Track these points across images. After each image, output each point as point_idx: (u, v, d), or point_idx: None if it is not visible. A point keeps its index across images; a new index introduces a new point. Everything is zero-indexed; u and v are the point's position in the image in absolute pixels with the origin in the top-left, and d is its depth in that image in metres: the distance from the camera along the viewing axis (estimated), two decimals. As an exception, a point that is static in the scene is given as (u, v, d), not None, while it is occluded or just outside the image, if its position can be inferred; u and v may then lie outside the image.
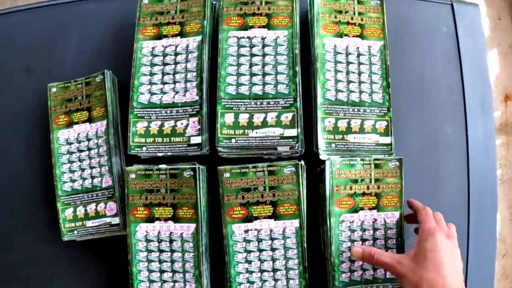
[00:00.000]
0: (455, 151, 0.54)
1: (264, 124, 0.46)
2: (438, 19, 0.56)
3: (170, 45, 0.51)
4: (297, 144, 0.46)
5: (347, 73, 0.50)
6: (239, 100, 0.47)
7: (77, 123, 0.53)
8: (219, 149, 0.47)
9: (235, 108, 0.47)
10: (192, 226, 0.47)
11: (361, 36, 0.51)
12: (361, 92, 0.49)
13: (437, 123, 0.54)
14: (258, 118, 0.47)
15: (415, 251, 0.43)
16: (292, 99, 0.47)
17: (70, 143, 0.53)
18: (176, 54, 0.50)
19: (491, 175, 0.55)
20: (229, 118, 0.47)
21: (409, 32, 0.55)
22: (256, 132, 0.46)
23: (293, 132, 0.46)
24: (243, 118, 0.47)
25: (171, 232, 0.48)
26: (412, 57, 0.55)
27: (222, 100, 0.47)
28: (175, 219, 0.48)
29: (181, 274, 0.48)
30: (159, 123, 0.49)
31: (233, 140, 0.46)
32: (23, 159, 0.56)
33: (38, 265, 0.54)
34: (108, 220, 0.51)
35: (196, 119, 0.48)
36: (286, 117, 0.46)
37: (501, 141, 0.97)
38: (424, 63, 0.55)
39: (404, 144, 0.53)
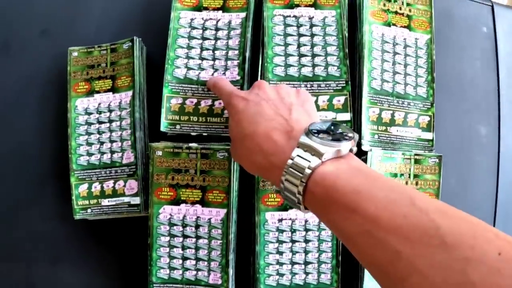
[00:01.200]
0: (487, 153, 0.53)
1: (316, 107, 0.44)
2: (478, 19, 0.55)
3: (210, 18, 0.47)
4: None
5: (393, 63, 0.48)
6: (288, 83, 0.44)
7: (98, 92, 0.48)
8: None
9: None
10: (222, 211, 0.44)
11: (408, 27, 0.49)
12: (406, 84, 0.47)
13: (472, 123, 0.53)
14: None
15: (230, 135, 0.36)
16: (344, 82, 0.44)
17: (90, 113, 0.48)
18: (217, 29, 0.46)
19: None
20: None
21: (450, 29, 0.54)
22: None
23: (346, 116, 0.43)
24: None
25: (198, 217, 0.44)
26: (452, 54, 0.54)
27: (271, 82, 0.44)
28: (204, 203, 0.44)
29: (206, 263, 0.44)
30: (195, 100, 0.45)
31: None
32: (34, 127, 0.50)
33: (43, 244, 0.49)
34: (126, 199, 0.47)
35: (235, 97, 0.45)
36: (339, 100, 0.44)
37: None
38: (463, 61, 0.54)
39: (438, 141, 0.51)
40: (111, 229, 0.49)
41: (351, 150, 0.30)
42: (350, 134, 0.30)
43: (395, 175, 0.46)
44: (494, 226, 0.52)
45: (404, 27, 0.49)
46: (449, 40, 0.54)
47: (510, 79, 0.55)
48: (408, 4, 0.49)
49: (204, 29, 0.46)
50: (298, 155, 0.28)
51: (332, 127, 0.30)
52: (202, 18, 0.47)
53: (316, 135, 0.29)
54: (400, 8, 0.49)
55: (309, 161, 0.27)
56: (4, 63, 0.52)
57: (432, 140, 0.47)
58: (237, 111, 0.34)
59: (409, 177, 0.46)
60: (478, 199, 0.53)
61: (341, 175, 0.26)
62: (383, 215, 0.23)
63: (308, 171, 0.27)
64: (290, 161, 0.29)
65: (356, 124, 0.46)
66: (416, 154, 0.46)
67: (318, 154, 0.27)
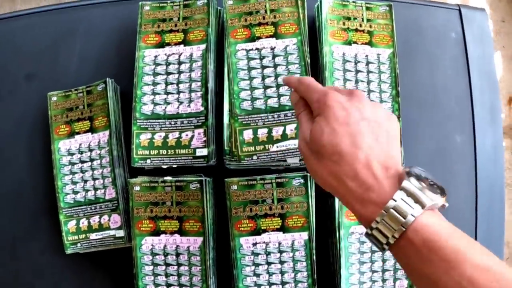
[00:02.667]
0: (464, 159, 0.53)
1: (284, 137, 0.45)
2: (446, 25, 0.55)
3: (173, 53, 0.49)
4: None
5: (356, 81, 0.48)
6: (256, 116, 0.46)
7: (78, 133, 0.51)
8: (228, 162, 0.46)
9: (253, 124, 0.46)
10: (199, 239, 0.46)
11: (370, 43, 0.49)
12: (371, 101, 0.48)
13: (446, 131, 0.53)
14: (277, 132, 0.45)
15: (312, 129, 0.32)
16: None
17: (72, 154, 0.51)
18: (180, 63, 0.48)
19: (499, 183, 0.54)
20: (248, 134, 0.45)
21: (418, 38, 0.54)
22: (277, 146, 0.45)
23: None
24: (262, 133, 0.45)
25: (177, 246, 0.47)
26: (421, 64, 0.54)
27: (239, 117, 0.46)
28: (182, 232, 0.46)
29: (188, 288, 0.47)
30: (163, 134, 0.47)
31: (255, 157, 0.45)
32: (25, 169, 0.54)
33: (43, 276, 0.53)
34: (112, 232, 0.49)
35: (201, 130, 0.46)
36: None
37: (505, 145, 0.97)
38: (433, 70, 0.54)
39: (414, 153, 0.51)
40: (102, 260, 0.52)
41: (443, 206, 0.30)
42: (441, 186, 0.30)
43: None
44: (475, 232, 0.52)
45: (366, 43, 0.49)
46: (418, 50, 0.54)
47: (482, 83, 0.54)
48: (368, 20, 0.50)
49: (168, 64, 0.48)
50: (401, 199, 0.28)
51: (423, 174, 0.30)
52: (165, 54, 0.49)
53: (417, 181, 0.28)
54: (361, 25, 0.50)
55: (412, 208, 0.27)
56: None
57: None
58: (336, 119, 0.31)
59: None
60: (459, 206, 0.53)
61: (442, 230, 0.27)
62: (479, 278, 0.25)
63: (411, 218, 0.27)
64: (392, 203, 0.27)
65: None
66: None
67: (421, 203, 0.27)
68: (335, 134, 0.30)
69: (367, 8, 0.50)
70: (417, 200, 0.27)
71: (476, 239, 0.53)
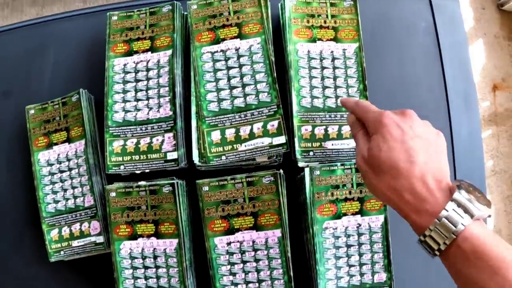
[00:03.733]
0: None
1: (252, 136, 0.46)
2: (416, 15, 0.55)
3: (141, 60, 0.50)
4: (278, 152, 0.46)
5: (322, 78, 0.49)
6: (223, 116, 0.47)
7: (56, 143, 0.53)
8: (197, 164, 0.47)
9: (220, 125, 0.47)
10: (175, 241, 0.47)
11: (335, 39, 0.50)
12: (337, 97, 0.49)
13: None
14: (244, 131, 0.46)
15: (370, 146, 0.35)
16: (276, 106, 0.46)
17: (51, 164, 0.53)
18: (148, 69, 0.50)
19: (479, 170, 0.53)
20: (215, 135, 0.46)
21: (386, 30, 0.54)
22: (245, 146, 0.46)
23: (281, 139, 0.45)
24: (230, 133, 0.46)
25: (154, 248, 0.48)
26: (391, 56, 0.54)
27: (206, 119, 0.47)
28: (158, 235, 0.48)
29: (167, 290, 0.48)
30: (135, 140, 0.49)
31: (223, 157, 0.46)
32: (6, 183, 0.56)
33: (28, 287, 0.55)
34: (93, 239, 0.51)
35: (171, 134, 0.48)
36: (273, 125, 0.46)
37: (491, 132, 0.96)
38: (404, 61, 0.54)
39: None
40: (84, 268, 0.54)
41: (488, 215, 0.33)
42: (487, 198, 0.33)
43: (337, 187, 0.47)
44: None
45: (331, 39, 0.50)
46: (387, 43, 0.55)
47: (455, 71, 0.54)
48: (333, 16, 0.50)
49: (136, 71, 0.50)
50: (453, 209, 0.31)
51: (472, 187, 0.33)
52: (134, 62, 0.50)
53: (467, 193, 0.31)
54: (325, 22, 0.50)
55: (462, 218, 0.30)
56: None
57: (370, 147, 0.48)
58: (392, 137, 0.34)
59: (352, 186, 0.47)
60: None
61: (487, 238, 0.30)
62: None
63: (461, 227, 0.30)
64: (444, 213, 0.31)
65: (291, 144, 0.48)
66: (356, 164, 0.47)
67: (470, 213, 0.30)
68: (392, 150, 0.33)
69: (332, 4, 0.51)
70: (466, 211, 0.30)
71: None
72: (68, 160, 0.52)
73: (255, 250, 0.47)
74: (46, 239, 0.52)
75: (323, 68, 0.49)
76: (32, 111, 0.54)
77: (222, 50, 0.48)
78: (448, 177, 0.33)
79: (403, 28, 0.55)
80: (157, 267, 0.48)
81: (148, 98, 0.49)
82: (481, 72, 0.96)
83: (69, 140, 0.52)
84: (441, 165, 0.33)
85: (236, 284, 0.47)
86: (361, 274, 0.48)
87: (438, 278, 0.51)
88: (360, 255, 0.47)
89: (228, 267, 0.47)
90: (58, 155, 0.53)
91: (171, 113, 0.48)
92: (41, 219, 0.52)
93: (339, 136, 0.48)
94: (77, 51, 0.56)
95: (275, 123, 0.46)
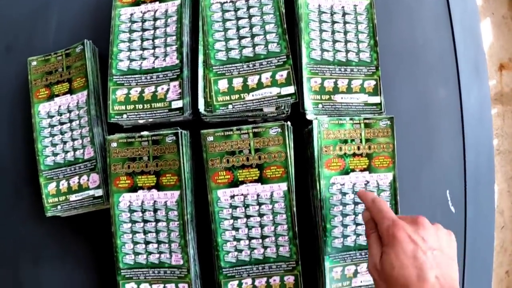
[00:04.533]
0: (450, 114, 0.52)
1: (260, 85, 0.45)
2: (427, -20, 0.55)
3: (148, 10, 0.50)
4: (286, 103, 0.45)
5: (333, 32, 0.48)
6: (230, 65, 0.46)
7: (58, 95, 0.52)
8: (202, 112, 0.46)
9: (228, 74, 0.46)
10: (176, 193, 0.46)
11: (346, -5, 0.50)
12: (347, 51, 0.48)
13: (430, 85, 0.52)
14: (252, 81, 0.45)
15: (383, 260, 0.36)
16: (285, 57, 0.46)
17: (51, 116, 0.52)
18: (155, 19, 0.49)
19: (487, 140, 0.53)
20: (223, 84, 0.46)
21: (396, -7, 0.54)
22: (253, 95, 0.45)
23: (290, 89, 0.45)
24: (237, 82, 0.46)
25: (155, 201, 0.46)
26: (401, 18, 0.54)
27: (214, 67, 0.46)
28: (159, 187, 0.46)
29: (167, 245, 0.46)
30: (139, 89, 0.48)
31: (230, 106, 0.45)
32: (6, 139, 0.55)
33: (24, 246, 0.53)
34: (91, 192, 0.50)
35: (176, 83, 0.47)
36: (281, 75, 0.45)
37: (497, 111, 0.95)
38: (414, 24, 0.54)
39: (395, 106, 0.51)
40: (83, 224, 0.52)
41: None
42: None
43: (345, 141, 0.46)
44: (465, 187, 0.51)
45: (342, -5, 0.49)
46: (399, 5, 0.54)
47: (465, 38, 0.54)
48: (344, -27, 0.50)
49: (143, 21, 0.49)
50: None
51: None
52: (141, 12, 0.50)
53: None
54: (336, -22, 0.50)
55: None
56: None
57: (380, 104, 0.47)
58: (404, 253, 0.35)
59: (361, 141, 0.47)
60: (446, 161, 0.52)
61: None
62: None
63: None
64: None
65: (300, 96, 0.47)
66: (365, 118, 0.46)
67: None
68: (404, 268, 0.34)
69: (343, -38, 0.51)
70: None
71: (465, 194, 0.51)
72: (69, 111, 0.51)
73: (260, 204, 0.45)
74: (43, 192, 0.50)
75: (333, 22, 0.49)
76: (34, 63, 0.53)
77: (231, 1, 0.48)
78: (457, 285, 0.34)
79: (413, -8, 0.55)
80: (157, 220, 0.47)
81: (154, 47, 0.48)
82: (488, 51, 0.96)
83: (71, 91, 0.51)
84: (451, 276, 0.34)
85: (238, 240, 0.46)
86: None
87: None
88: (368, 213, 0.46)
89: (231, 221, 0.46)
90: (59, 106, 0.52)
91: (177, 61, 0.47)
92: (38, 172, 0.51)
93: (349, 90, 0.47)
94: (81, 4, 0.56)
95: (284, 73, 0.45)
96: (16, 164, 0.54)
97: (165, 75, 0.47)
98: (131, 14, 0.50)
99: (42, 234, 0.53)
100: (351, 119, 0.46)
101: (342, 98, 0.47)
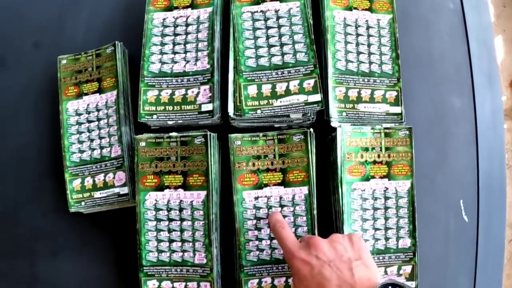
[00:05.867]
0: (464, 123, 0.56)
1: (288, 92, 0.48)
2: (444, -4, 0.59)
3: (181, 16, 0.53)
4: (312, 110, 0.48)
5: (357, 44, 0.52)
6: (260, 72, 0.49)
7: (87, 94, 0.55)
8: (232, 116, 0.49)
9: (257, 80, 0.49)
10: (203, 193, 0.49)
11: (370, 9, 0.53)
12: (370, 63, 0.52)
13: (445, 95, 0.56)
14: (281, 88, 0.49)
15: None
16: (312, 66, 0.49)
17: (80, 114, 0.54)
18: (187, 24, 0.52)
19: (500, 150, 0.56)
20: (252, 90, 0.49)
21: (416, 7, 0.58)
22: (281, 101, 0.48)
23: (317, 97, 0.48)
24: (266, 88, 0.49)
25: (181, 200, 0.49)
26: (419, 31, 0.58)
27: (244, 73, 0.49)
28: (185, 186, 0.49)
29: (191, 244, 0.49)
30: (169, 91, 0.51)
31: (259, 111, 0.48)
32: (30, 131, 0.57)
33: (43, 238, 0.55)
34: (116, 190, 0.52)
35: (207, 87, 0.50)
36: (309, 83, 0.48)
37: (506, 127, 1.00)
38: (431, 37, 0.58)
39: (413, 116, 0.54)
40: (104, 219, 0.55)
41: None
42: None
43: (366, 149, 0.49)
44: (478, 195, 0.55)
45: (366, 9, 0.53)
46: (416, 18, 0.59)
47: (480, 51, 0.58)
48: (368, -12, 0.54)
49: (176, 26, 0.52)
50: None
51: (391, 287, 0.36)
52: (173, 17, 0.53)
53: None
54: (361, -7, 0.54)
55: None
56: (1, 75, 0.59)
57: (401, 114, 0.51)
58: (303, 277, 0.39)
59: (381, 150, 0.50)
60: (460, 170, 0.56)
61: None
62: None
63: None
64: None
65: (325, 104, 0.50)
66: (386, 128, 0.50)
67: None
68: None
69: (367, -23, 0.55)
70: None
71: (478, 205, 0.55)
72: (98, 110, 0.54)
73: (282, 206, 0.48)
74: (67, 188, 0.53)
75: (358, 35, 0.52)
76: (64, 61, 0.56)
77: (262, 11, 0.52)
78: (369, 283, 0.37)
79: (432, 7, 0.59)
80: (182, 219, 0.49)
81: (185, 52, 0.51)
82: (499, 67, 1.01)
83: (100, 90, 0.54)
84: (356, 276, 0.38)
85: (260, 240, 0.48)
86: (386, 239, 0.49)
87: (458, 249, 0.54)
88: (386, 219, 0.49)
89: (254, 221, 0.48)
90: (88, 105, 0.54)
91: (208, 66, 0.50)
92: (64, 168, 0.53)
93: (372, 100, 0.51)
94: (111, 7, 0.59)
95: (311, 81, 0.49)
96: (40, 156, 0.57)
97: (195, 79, 0.50)
98: (164, 19, 0.53)
99: (61, 227, 0.55)
100: (372, 128, 0.49)
101: (365, 107, 0.50)
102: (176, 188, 0.49)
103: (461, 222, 0.54)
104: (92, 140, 0.54)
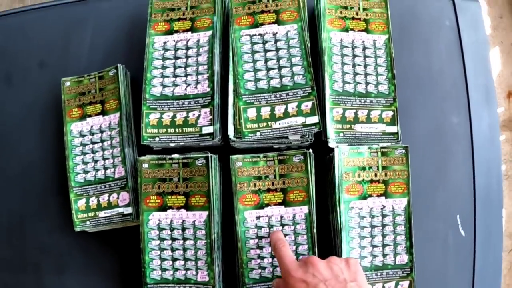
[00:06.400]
0: (461, 140, 0.58)
1: (286, 114, 0.50)
2: (440, 14, 0.61)
3: (181, 39, 0.55)
4: (310, 131, 0.50)
5: (354, 65, 0.54)
6: (259, 95, 0.51)
7: (90, 115, 0.57)
8: (232, 138, 0.51)
9: (256, 103, 0.51)
10: (205, 213, 0.51)
11: (366, 30, 0.55)
12: (367, 83, 0.53)
13: (442, 113, 0.58)
14: (279, 110, 0.51)
15: None
16: (310, 88, 0.51)
17: (83, 135, 0.56)
18: (187, 48, 0.54)
19: (496, 165, 0.58)
20: (251, 112, 0.51)
21: (413, 25, 0.60)
22: (279, 123, 0.50)
23: (314, 119, 0.50)
24: (265, 111, 0.51)
25: (183, 220, 0.51)
26: (416, 49, 0.59)
27: (243, 96, 0.51)
28: (188, 207, 0.51)
29: (193, 262, 0.51)
30: (171, 114, 0.53)
31: (258, 133, 0.50)
32: (36, 151, 0.59)
33: (49, 255, 0.57)
34: (120, 210, 0.54)
35: (207, 110, 0.52)
36: (306, 105, 0.50)
37: (505, 137, 1.02)
38: (428, 55, 0.59)
39: (411, 133, 0.56)
40: (109, 237, 0.57)
41: None
42: None
43: (364, 169, 0.51)
44: (474, 211, 0.57)
45: (362, 30, 0.55)
46: (413, 37, 0.60)
47: (476, 67, 0.59)
48: (364, 9, 0.56)
49: (176, 49, 0.54)
50: None
51: None
52: (174, 40, 0.55)
53: None
54: (357, 14, 0.55)
55: None
56: (6, 93, 0.62)
57: (397, 133, 0.53)
58: None
59: (378, 169, 0.52)
60: (457, 186, 0.58)
61: None
62: None
63: None
64: None
65: (323, 125, 0.52)
66: (382, 147, 0.52)
67: None
68: None
69: (363, -2, 0.56)
70: None
71: (475, 218, 0.57)
72: (101, 132, 0.56)
73: (283, 225, 0.50)
74: (72, 208, 0.55)
75: (354, 56, 0.54)
76: (67, 83, 0.58)
77: (260, 34, 0.53)
78: None
79: (428, 25, 0.60)
80: (184, 239, 0.51)
81: (186, 75, 0.53)
82: (497, 79, 1.03)
83: (103, 112, 0.56)
84: None
85: (262, 258, 0.50)
86: (384, 255, 0.51)
87: (456, 263, 0.55)
88: (383, 236, 0.51)
89: (256, 240, 0.50)
90: (91, 126, 0.56)
91: (208, 89, 0.52)
92: (69, 188, 0.55)
93: (368, 120, 0.52)
94: (114, 28, 0.61)
95: (309, 103, 0.51)
96: (45, 173, 0.59)
97: (196, 102, 0.52)
98: (164, 42, 0.55)
99: (67, 244, 0.58)
100: (369, 148, 0.51)
101: (362, 127, 0.52)
102: (178, 208, 0.51)
103: (459, 236, 0.56)
104: (96, 161, 0.56)
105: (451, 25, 0.61)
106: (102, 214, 0.55)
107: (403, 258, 0.51)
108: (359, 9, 0.56)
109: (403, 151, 0.52)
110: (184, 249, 0.51)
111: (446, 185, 0.57)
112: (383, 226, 0.51)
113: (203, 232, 0.51)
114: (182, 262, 0.51)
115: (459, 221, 0.56)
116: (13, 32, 0.62)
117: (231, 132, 0.51)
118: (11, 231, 0.58)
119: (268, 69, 0.52)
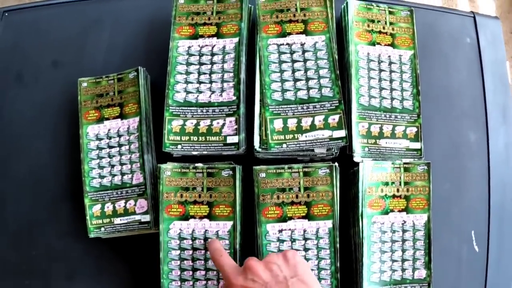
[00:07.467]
0: (478, 158, 0.60)
1: (313, 127, 0.51)
2: (461, 31, 0.63)
3: (206, 45, 0.55)
4: (337, 145, 0.51)
5: (380, 80, 0.55)
6: (286, 106, 0.52)
7: (108, 118, 0.56)
8: (257, 149, 0.51)
9: (283, 114, 0.52)
10: (229, 223, 0.51)
11: (392, 45, 0.56)
12: (392, 99, 0.55)
13: (461, 130, 0.60)
14: (306, 122, 0.51)
15: None
16: (337, 102, 0.52)
17: (100, 139, 0.56)
18: (213, 54, 0.54)
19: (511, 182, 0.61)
20: (278, 124, 0.51)
21: (435, 42, 0.62)
22: (306, 136, 0.51)
23: (341, 133, 0.51)
24: (292, 123, 0.51)
25: (206, 230, 0.51)
26: (438, 66, 0.61)
27: (270, 107, 0.52)
28: (211, 217, 0.51)
29: (215, 272, 0.51)
30: (194, 121, 0.53)
31: (284, 145, 0.51)
32: (48, 153, 0.58)
33: (59, 261, 0.57)
34: (137, 217, 0.54)
35: (233, 118, 0.52)
36: (333, 119, 0.51)
37: None
38: (449, 72, 0.61)
39: (430, 150, 0.58)
40: (123, 245, 0.57)
41: None
42: None
43: (387, 184, 0.53)
44: (488, 226, 0.59)
45: (388, 45, 0.56)
46: (434, 53, 0.62)
47: (495, 86, 0.62)
48: (391, 23, 0.57)
49: (201, 55, 0.54)
50: None
51: None
52: (199, 45, 0.55)
53: None
54: (384, 28, 0.57)
55: None
56: (18, 93, 0.60)
57: (420, 150, 0.54)
58: None
59: (400, 184, 0.53)
60: (472, 202, 0.60)
61: None
62: None
63: None
64: None
65: (349, 139, 0.53)
66: (405, 163, 0.53)
67: None
68: None
69: (390, 12, 0.58)
70: None
71: (488, 236, 0.59)
72: (119, 136, 0.55)
73: (306, 239, 0.51)
74: (87, 213, 0.54)
75: (380, 70, 0.55)
76: (84, 84, 0.57)
77: (288, 44, 0.54)
78: None
79: (449, 42, 0.62)
80: (206, 249, 0.52)
81: (211, 82, 0.53)
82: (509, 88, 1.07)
83: (122, 116, 0.56)
84: None
85: (284, 271, 0.51)
86: (403, 270, 0.53)
87: (469, 278, 0.58)
88: (403, 251, 0.53)
89: (278, 253, 0.51)
90: (109, 130, 0.56)
91: (234, 98, 0.52)
92: (84, 193, 0.55)
93: (393, 135, 0.54)
94: (134, 29, 0.60)
95: (336, 117, 0.52)
96: (57, 177, 0.58)
97: (221, 110, 0.53)
98: (189, 47, 0.55)
99: (77, 251, 0.57)
100: (392, 163, 0.53)
101: (386, 142, 0.54)
102: (201, 218, 0.52)
103: (472, 251, 0.59)
104: (113, 166, 0.55)
105: (472, 42, 0.63)
106: (117, 221, 0.54)
107: (422, 273, 0.53)
108: (386, 23, 0.57)
109: (425, 167, 0.53)
110: (206, 259, 0.51)
111: (461, 201, 0.59)
112: (403, 241, 0.53)
113: (227, 242, 0.51)
114: (203, 272, 0.52)
115: (473, 237, 0.59)
116: (25, 29, 0.60)
117: (256, 143, 0.51)
118: (21, 234, 0.57)
119: (296, 80, 0.53)
